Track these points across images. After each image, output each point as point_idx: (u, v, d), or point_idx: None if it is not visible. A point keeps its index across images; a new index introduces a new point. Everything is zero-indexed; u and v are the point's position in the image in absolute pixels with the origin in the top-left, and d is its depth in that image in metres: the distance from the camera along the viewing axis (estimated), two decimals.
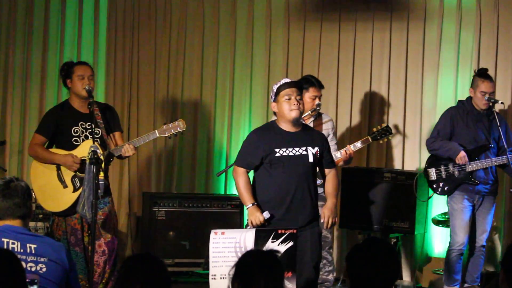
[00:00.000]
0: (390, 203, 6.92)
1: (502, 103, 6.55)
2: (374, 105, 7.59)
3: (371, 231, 7.05)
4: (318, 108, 6.43)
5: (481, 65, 7.10)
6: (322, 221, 5.30)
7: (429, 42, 7.43)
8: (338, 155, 6.32)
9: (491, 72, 7.06)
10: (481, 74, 6.42)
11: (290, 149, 5.21)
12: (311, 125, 6.48)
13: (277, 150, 5.20)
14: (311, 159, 5.23)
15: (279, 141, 5.22)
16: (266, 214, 5.15)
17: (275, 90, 5.24)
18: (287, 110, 5.19)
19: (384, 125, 6.51)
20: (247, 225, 5.27)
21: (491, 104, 6.37)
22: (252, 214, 5.18)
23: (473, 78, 6.47)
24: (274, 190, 5.22)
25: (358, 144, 6.38)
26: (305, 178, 5.23)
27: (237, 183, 5.30)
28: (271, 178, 5.23)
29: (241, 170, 5.29)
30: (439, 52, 7.38)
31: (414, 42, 7.47)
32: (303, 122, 6.40)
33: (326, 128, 6.53)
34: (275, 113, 5.35)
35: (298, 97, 5.20)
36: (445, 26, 7.39)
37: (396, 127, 7.50)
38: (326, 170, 5.40)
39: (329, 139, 6.54)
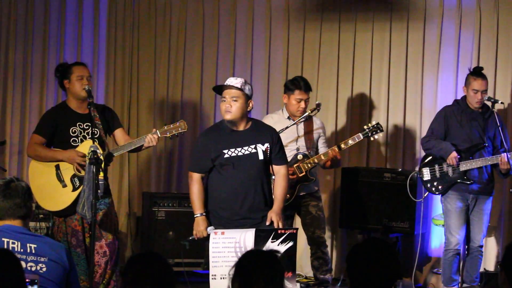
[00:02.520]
0: (390, 203, 6.91)
1: (502, 103, 6.55)
2: (374, 105, 7.59)
3: (371, 231, 7.04)
4: (318, 108, 6.46)
5: (481, 65, 7.09)
6: (267, 224, 5.20)
7: (429, 42, 7.42)
8: (349, 141, 6.32)
9: (491, 72, 7.07)
10: (474, 72, 6.41)
11: (239, 149, 5.21)
12: (301, 126, 6.48)
13: (225, 151, 5.20)
14: (261, 157, 5.23)
15: (227, 141, 5.22)
16: (210, 230, 5.16)
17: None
18: (222, 111, 5.23)
19: (374, 122, 6.48)
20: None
21: (491, 103, 6.37)
22: (197, 226, 5.26)
23: (467, 76, 6.47)
24: (226, 191, 5.22)
25: (350, 142, 6.37)
26: (257, 176, 5.23)
27: (190, 190, 5.31)
28: (222, 179, 5.23)
29: (195, 176, 5.29)
30: (439, 52, 7.38)
31: (414, 42, 7.47)
32: (294, 123, 6.43)
33: (318, 132, 6.53)
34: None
35: (233, 99, 5.18)
36: (445, 26, 7.38)
37: (396, 127, 7.50)
38: (276, 167, 5.34)
39: (321, 142, 6.55)
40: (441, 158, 6.41)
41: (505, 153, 6.25)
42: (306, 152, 6.39)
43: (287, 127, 6.38)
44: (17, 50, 7.65)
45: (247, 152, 5.21)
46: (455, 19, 7.32)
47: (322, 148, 6.52)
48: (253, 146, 5.23)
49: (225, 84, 5.25)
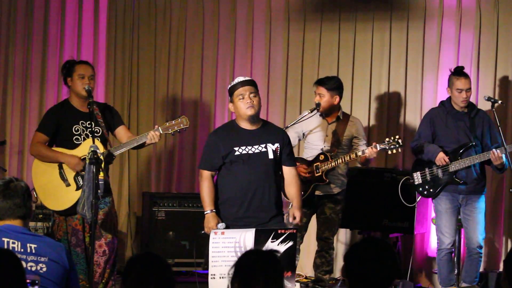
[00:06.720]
0: (390, 203, 6.91)
1: (502, 103, 6.53)
2: (373, 105, 7.59)
3: (371, 231, 7.04)
4: (318, 108, 6.43)
5: (481, 65, 7.11)
6: (291, 221, 5.31)
7: (429, 42, 7.42)
8: (365, 151, 6.23)
9: (491, 72, 7.07)
10: (456, 72, 6.40)
11: (250, 147, 5.25)
12: (332, 127, 6.46)
13: (236, 148, 5.24)
14: (271, 156, 5.27)
15: (238, 139, 5.25)
16: (221, 226, 5.19)
17: (228, 91, 5.27)
18: (243, 109, 5.21)
19: (397, 137, 6.25)
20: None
21: (491, 103, 6.35)
22: (207, 223, 5.25)
23: (449, 77, 6.45)
24: (235, 188, 5.26)
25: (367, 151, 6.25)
26: (266, 175, 5.26)
27: (200, 187, 5.35)
28: (231, 176, 5.27)
29: (206, 174, 5.33)
30: (439, 52, 7.38)
31: (414, 42, 7.47)
32: (294, 121, 6.43)
33: (349, 133, 6.46)
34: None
35: (252, 95, 5.21)
36: (445, 26, 7.38)
37: (396, 127, 7.50)
38: (285, 168, 5.39)
39: (358, 141, 6.48)
40: (430, 161, 6.39)
41: (496, 149, 6.21)
42: (328, 154, 6.37)
43: (293, 123, 6.46)
44: (17, 50, 7.65)
45: (257, 151, 5.26)
46: (455, 19, 7.32)
47: (361, 145, 6.45)
48: (263, 145, 5.28)
49: (235, 83, 5.25)
